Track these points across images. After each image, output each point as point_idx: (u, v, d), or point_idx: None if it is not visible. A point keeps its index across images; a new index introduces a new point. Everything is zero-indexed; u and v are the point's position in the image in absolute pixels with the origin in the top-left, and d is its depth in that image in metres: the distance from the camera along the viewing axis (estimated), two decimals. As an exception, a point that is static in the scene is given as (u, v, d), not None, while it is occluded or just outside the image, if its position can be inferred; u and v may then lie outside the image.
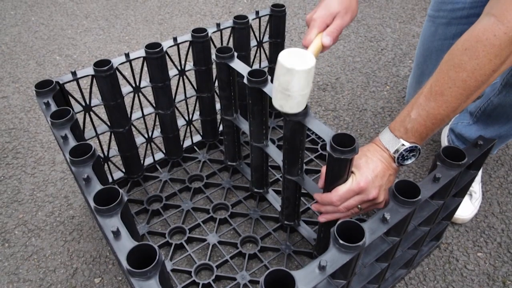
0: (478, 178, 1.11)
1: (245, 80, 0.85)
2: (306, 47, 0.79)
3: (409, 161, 0.75)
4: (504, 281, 0.94)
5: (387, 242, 0.69)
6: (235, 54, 0.94)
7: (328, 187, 0.75)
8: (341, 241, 0.55)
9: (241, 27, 1.06)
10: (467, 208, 1.05)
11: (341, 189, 0.73)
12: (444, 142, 1.21)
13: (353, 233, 0.57)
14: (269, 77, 0.84)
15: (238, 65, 0.92)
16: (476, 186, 1.10)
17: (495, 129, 1.01)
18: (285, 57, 0.69)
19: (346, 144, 0.67)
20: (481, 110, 1.02)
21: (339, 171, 0.71)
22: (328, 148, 0.69)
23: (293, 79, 0.69)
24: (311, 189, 0.86)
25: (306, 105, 0.74)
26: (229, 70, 0.95)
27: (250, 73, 0.85)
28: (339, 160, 0.68)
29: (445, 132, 1.24)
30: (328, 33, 0.80)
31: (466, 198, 1.06)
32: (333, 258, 0.55)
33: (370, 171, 0.72)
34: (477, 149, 0.74)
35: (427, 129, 0.71)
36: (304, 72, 0.68)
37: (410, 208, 0.63)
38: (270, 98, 0.82)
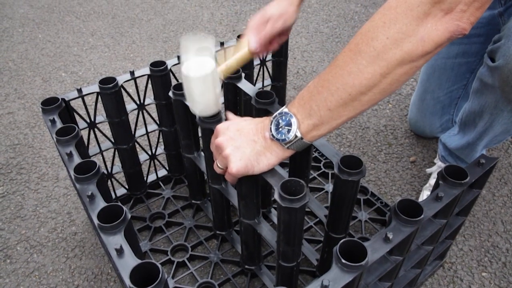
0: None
1: (253, 102, 0.85)
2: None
3: (281, 135, 0.61)
4: (509, 302, 0.93)
5: (390, 261, 0.68)
6: (243, 74, 0.95)
7: (335, 209, 0.75)
8: (343, 261, 0.55)
9: (244, 46, 1.08)
10: None
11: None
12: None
13: (356, 252, 0.57)
14: (276, 99, 0.85)
15: (245, 86, 0.93)
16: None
17: (467, 137, 1.01)
18: (187, 62, 0.68)
19: (353, 165, 0.68)
20: (461, 118, 1.03)
21: (345, 193, 0.71)
22: (335, 170, 0.69)
23: (190, 85, 0.69)
24: (315, 208, 0.86)
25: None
26: (236, 90, 0.96)
27: (257, 94, 0.86)
28: (346, 182, 0.68)
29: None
30: (255, 40, 0.80)
31: None
32: (336, 277, 0.54)
33: (233, 122, 0.65)
34: (479, 168, 0.74)
35: (311, 94, 0.59)
36: (199, 79, 0.67)
37: (413, 227, 0.63)
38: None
